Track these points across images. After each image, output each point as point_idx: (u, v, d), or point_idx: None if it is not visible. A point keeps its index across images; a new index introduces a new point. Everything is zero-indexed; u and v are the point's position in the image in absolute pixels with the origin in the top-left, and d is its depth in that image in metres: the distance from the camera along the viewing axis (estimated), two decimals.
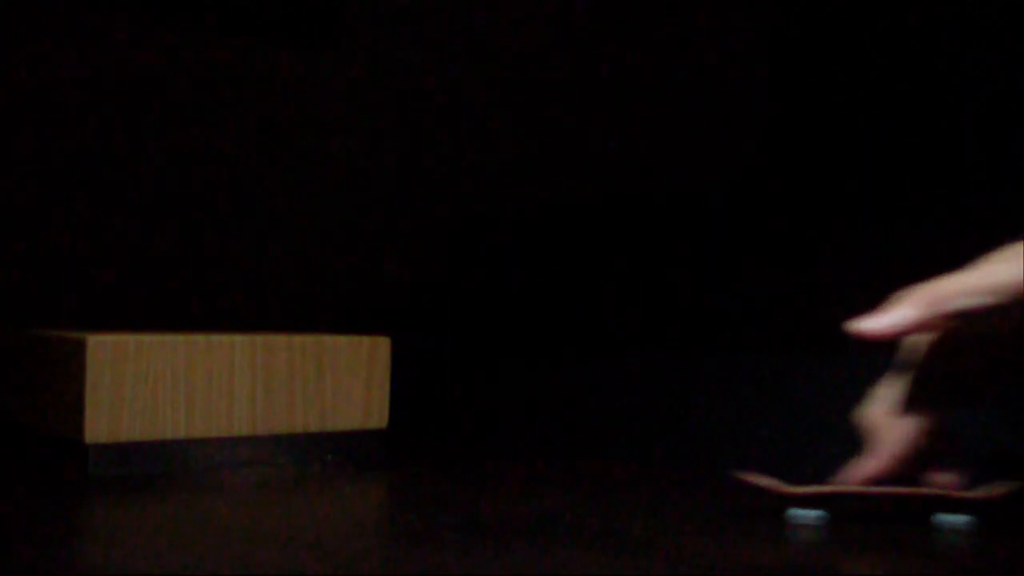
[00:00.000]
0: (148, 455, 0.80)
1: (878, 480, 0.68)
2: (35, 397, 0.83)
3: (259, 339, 0.85)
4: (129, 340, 0.79)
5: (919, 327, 0.66)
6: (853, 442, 0.85)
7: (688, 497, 0.79)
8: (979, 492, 0.67)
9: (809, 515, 0.68)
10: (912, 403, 0.70)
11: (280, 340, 0.85)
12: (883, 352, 0.77)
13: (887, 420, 0.70)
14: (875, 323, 0.67)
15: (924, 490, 0.67)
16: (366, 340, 0.89)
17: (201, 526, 0.66)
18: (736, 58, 1.93)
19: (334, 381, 0.87)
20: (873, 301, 0.74)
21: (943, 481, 0.68)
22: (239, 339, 0.84)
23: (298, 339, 0.86)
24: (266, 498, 0.77)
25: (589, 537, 0.64)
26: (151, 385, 0.80)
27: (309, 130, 1.57)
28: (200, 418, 0.82)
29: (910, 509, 0.67)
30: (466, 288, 1.61)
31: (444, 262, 1.66)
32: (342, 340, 0.88)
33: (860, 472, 0.70)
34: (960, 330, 0.68)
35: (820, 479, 0.70)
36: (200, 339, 0.82)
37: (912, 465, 0.69)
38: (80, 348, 0.78)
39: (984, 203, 1.03)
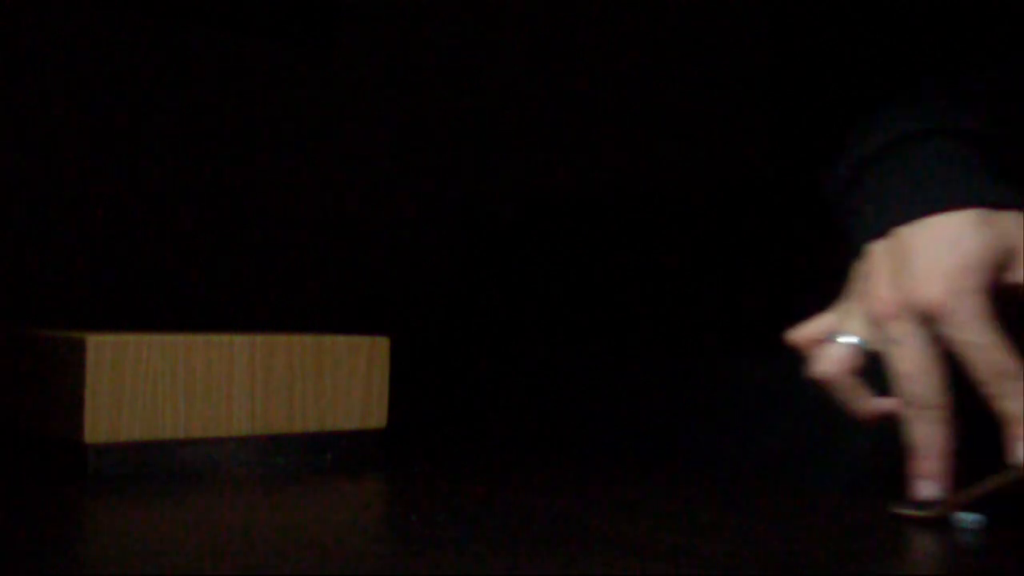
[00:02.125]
0: (148, 455, 0.80)
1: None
2: (35, 397, 0.83)
3: (259, 339, 0.85)
4: (129, 340, 0.79)
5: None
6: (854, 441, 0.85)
7: (689, 496, 0.79)
8: None
9: (968, 519, 0.66)
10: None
11: (280, 340, 0.85)
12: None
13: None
14: None
15: None
16: (366, 340, 0.89)
17: (201, 526, 0.66)
18: (737, 60, 1.93)
19: (334, 381, 0.87)
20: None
21: None
22: (239, 339, 0.84)
23: (298, 339, 0.86)
24: (265, 498, 0.77)
25: (589, 537, 0.64)
26: (151, 385, 0.80)
27: (309, 129, 1.57)
28: (200, 418, 0.82)
29: None
30: (467, 288, 1.61)
31: (444, 262, 1.66)
32: (342, 340, 0.88)
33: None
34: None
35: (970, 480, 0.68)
36: (200, 339, 0.82)
37: None
38: (80, 348, 0.78)
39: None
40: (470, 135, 1.68)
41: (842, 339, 0.71)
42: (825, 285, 1.04)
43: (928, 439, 0.66)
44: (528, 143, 1.73)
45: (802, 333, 0.74)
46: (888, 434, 0.78)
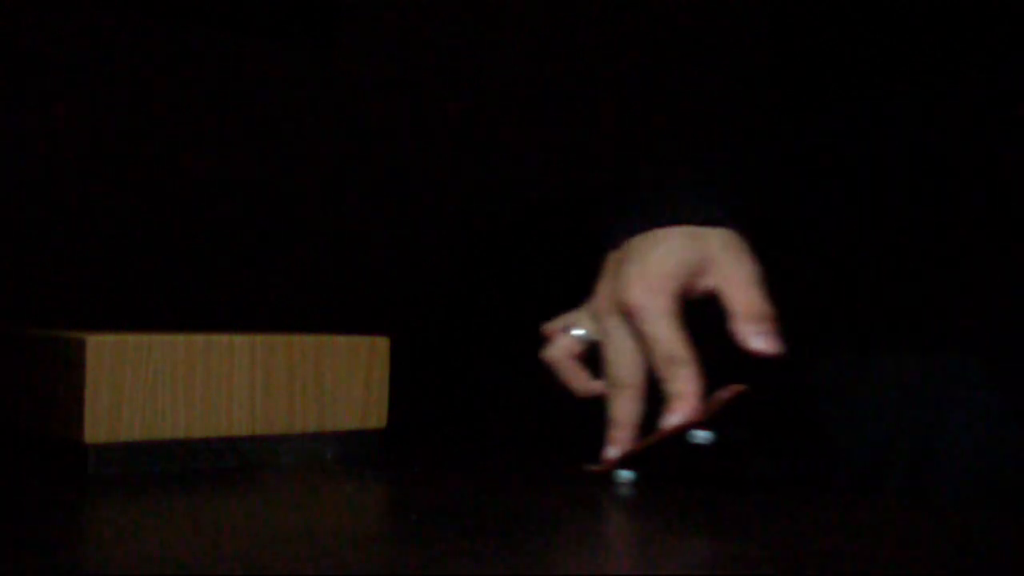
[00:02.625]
0: (148, 455, 0.80)
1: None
2: (35, 397, 0.83)
3: (259, 339, 0.85)
4: (129, 340, 0.79)
5: None
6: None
7: (688, 496, 0.79)
8: (711, 404, 0.74)
9: (623, 475, 0.80)
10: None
11: (280, 340, 0.85)
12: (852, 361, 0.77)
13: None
14: None
15: (679, 425, 0.74)
16: (366, 340, 0.89)
17: (200, 526, 0.66)
18: (737, 59, 1.93)
19: (333, 381, 0.87)
20: (869, 299, 0.75)
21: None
22: (239, 339, 0.84)
23: (298, 339, 0.86)
24: (265, 498, 0.77)
25: (590, 537, 0.64)
26: (151, 385, 0.80)
27: (309, 129, 1.57)
28: (200, 418, 0.82)
29: (675, 442, 0.75)
30: (467, 288, 1.61)
31: (444, 262, 1.66)
32: (342, 340, 0.88)
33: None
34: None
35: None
36: (200, 339, 0.82)
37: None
38: (80, 348, 0.78)
39: (980, 204, 1.03)
40: (469, 135, 1.68)
41: (573, 331, 0.87)
42: (824, 285, 1.04)
43: (620, 413, 0.80)
44: (528, 143, 1.73)
45: (550, 325, 0.90)
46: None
